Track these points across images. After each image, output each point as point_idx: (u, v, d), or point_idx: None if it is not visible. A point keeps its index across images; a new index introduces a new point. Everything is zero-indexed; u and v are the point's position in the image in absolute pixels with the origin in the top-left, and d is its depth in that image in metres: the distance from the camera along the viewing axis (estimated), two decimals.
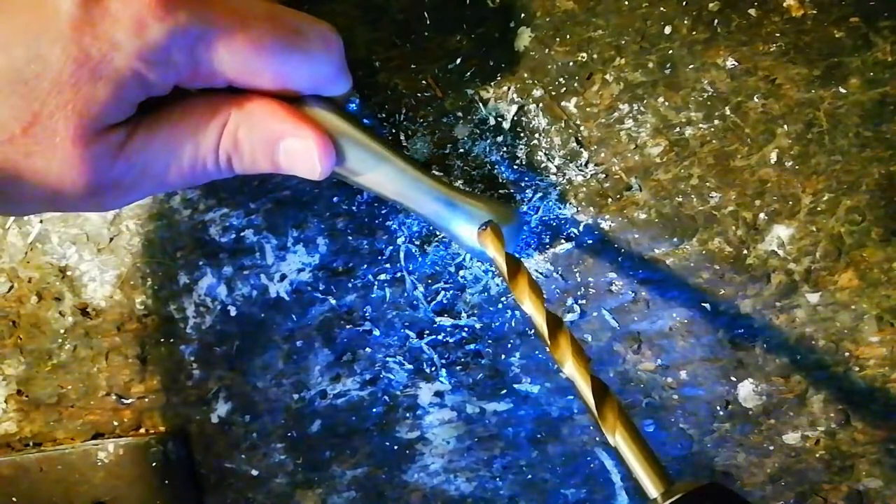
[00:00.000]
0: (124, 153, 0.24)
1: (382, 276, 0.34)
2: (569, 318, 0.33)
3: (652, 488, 0.22)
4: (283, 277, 0.34)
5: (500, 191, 0.32)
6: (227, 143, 0.26)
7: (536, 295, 0.26)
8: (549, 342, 0.25)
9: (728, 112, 0.30)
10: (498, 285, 0.33)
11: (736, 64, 0.29)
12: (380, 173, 0.28)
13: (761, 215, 0.31)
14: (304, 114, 0.26)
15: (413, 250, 0.33)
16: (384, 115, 0.32)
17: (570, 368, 0.24)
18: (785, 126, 0.30)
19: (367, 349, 0.35)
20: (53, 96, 0.21)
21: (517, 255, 0.32)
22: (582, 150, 0.31)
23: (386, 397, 0.35)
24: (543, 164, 0.31)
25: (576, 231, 0.32)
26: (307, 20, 0.25)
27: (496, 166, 0.32)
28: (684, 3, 0.29)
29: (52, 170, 0.23)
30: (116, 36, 0.21)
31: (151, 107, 0.25)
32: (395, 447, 0.36)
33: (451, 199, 0.28)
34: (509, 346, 0.34)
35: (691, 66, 0.30)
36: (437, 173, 0.30)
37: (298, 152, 0.26)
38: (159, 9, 0.21)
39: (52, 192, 0.24)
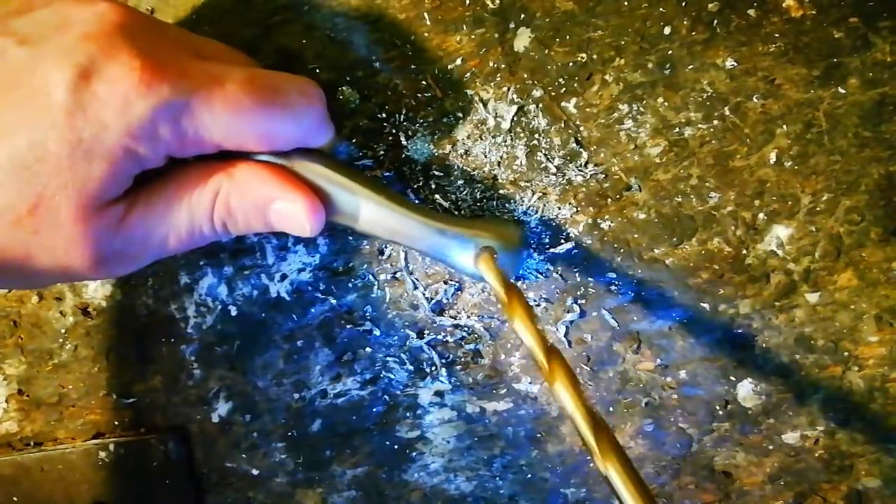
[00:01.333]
0: (124, 227, 0.26)
1: (383, 276, 0.34)
2: (568, 317, 0.33)
3: None
4: (283, 277, 0.35)
5: (501, 191, 0.32)
6: (220, 210, 0.27)
7: (533, 325, 0.26)
8: (546, 371, 0.25)
9: (727, 112, 0.30)
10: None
11: (735, 64, 0.30)
12: (370, 217, 0.28)
13: (760, 215, 0.31)
14: (292, 174, 0.27)
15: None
16: (384, 116, 0.32)
17: (561, 390, 0.24)
18: (784, 126, 0.30)
19: (368, 349, 0.35)
20: (54, 178, 0.23)
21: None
22: (581, 150, 0.31)
23: (386, 397, 0.35)
24: (543, 165, 0.31)
25: (575, 231, 0.32)
26: (284, 78, 0.27)
27: (496, 166, 0.32)
28: (684, 3, 0.29)
29: (59, 246, 0.24)
30: (105, 117, 0.23)
31: (148, 178, 0.26)
32: (396, 446, 0.36)
33: (443, 230, 0.29)
34: (509, 345, 0.34)
35: (691, 67, 0.30)
36: (433, 209, 0.30)
37: (289, 214, 0.27)
38: (142, 86, 0.23)
39: (61, 266, 0.25)
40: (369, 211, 0.28)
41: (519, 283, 0.33)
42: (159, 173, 0.26)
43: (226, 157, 0.27)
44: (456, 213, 0.32)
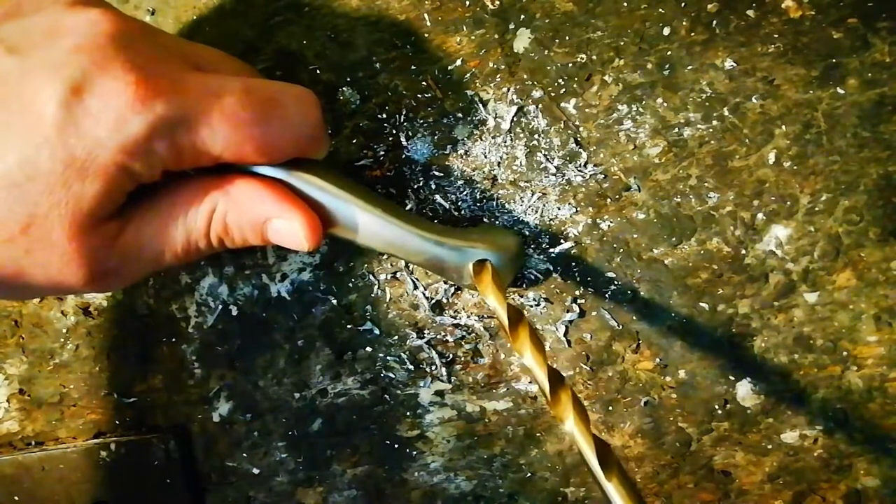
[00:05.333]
0: (119, 244, 0.25)
1: (383, 276, 0.34)
2: (568, 317, 0.33)
3: None
4: (284, 277, 0.35)
5: (500, 191, 0.32)
6: (216, 227, 0.27)
7: (538, 349, 0.25)
8: (549, 398, 0.25)
9: (726, 113, 0.30)
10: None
11: (734, 65, 0.30)
12: (367, 231, 0.28)
13: (759, 215, 0.31)
14: (289, 190, 0.27)
15: None
16: (384, 116, 0.32)
17: (571, 426, 0.24)
18: (783, 126, 0.30)
19: (368, 348, 0.35)
20: (46, 196, 0.22)
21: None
22: (581, 150, 0.31)
23: (386, 396, 0.35)
24: (543, 165, 0.32)
25: (575, 231, 0.32)
26: (280, 87, 0.26)
27: (496, 167, 0.32)
28: (683, 4, 0.30)
29: (53, 264, 0.24)
30: (98, 134, 0.22)
31: (143, 192, 0.26)
32: (396, 446, 0.36)
33: (440, 242, 0.29)
34: (509, 345, 0.34)
35: (690, 67, 0.30)
36: (430, 219, 0.31)
37: (286, 232, 0.27)
38: (137, 103, 0.22)
39: (54, 283, 0.25)
40: (367, 224, 0.28)
41: (518, 286, 0.33)
42: (154, 187, 0.26)
43: (222, 171, 0.26)
44: (456, 213, 0.32)
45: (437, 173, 0.32)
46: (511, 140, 0.32)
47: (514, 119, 0.31)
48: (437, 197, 0.32)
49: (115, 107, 0.22)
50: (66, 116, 0.22)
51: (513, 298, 0.33)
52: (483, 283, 0.28)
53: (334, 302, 0.35)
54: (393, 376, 0.35)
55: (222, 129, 0.24)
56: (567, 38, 0.30)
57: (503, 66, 0.31)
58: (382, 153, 0.33)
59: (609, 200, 0.32)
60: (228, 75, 0.25)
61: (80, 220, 0.23)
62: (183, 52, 0.26)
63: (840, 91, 0.29)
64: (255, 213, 0.27)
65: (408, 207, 0.33)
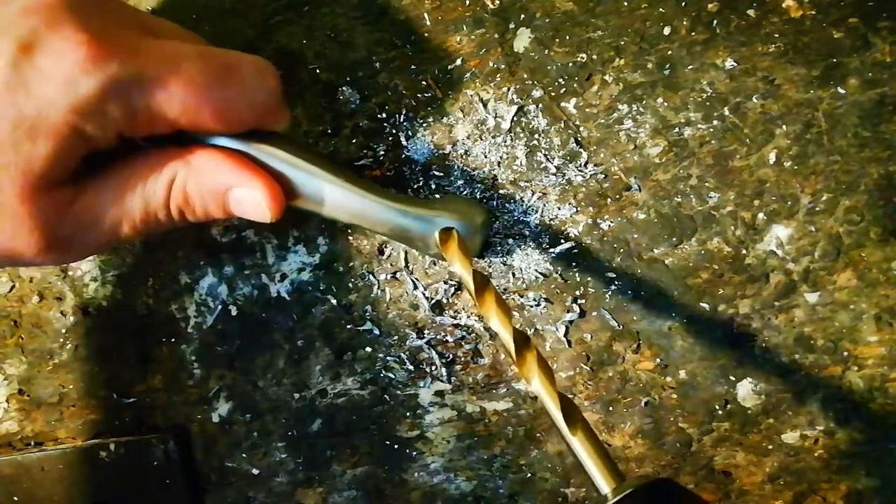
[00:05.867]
0: (74, 210, 0.25)
1: (383, 276, 0.34)
2: (568, 317, 0.33)
3: (604, 484, 0.23)
4: (283, 277, 0.35)
5: (501, 191, 0.32)
6: (176, 197, 0.26)
7: (505, 313, 0.26)
8: (514, 358, 0.25)
9: (727, 112, 0.30)
10: (498, 285, 0.33)
11: (735, 64, 0.30)
12: (331, 201, 0.28)
13: (760, 215, 0.31)
14: (250, 160, 0.27)
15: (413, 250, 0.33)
16: (384, 116, 0.32)
17: (537, 385, 0.25)
18: (784, 126, 0.30)
19: (368, 348, 0.35)
20: None
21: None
22: (581, 150, 0.31)
23: (386, 396, 0.35)
24: (543, 165, 0.31)
25: (575, 231, 0.32)
26: (237, 55, 0.26)
27: (496, 166, 0.32)
28: (683, 3, 0.29)
29: (4, 228, 0.23)
30: (49, 93, 0.22)
31: (100, 164, 0.25)
32: (396, 446, 0.36)
33: (405, 211, 0.28)
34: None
35: (690, 67, 0.30)
36: (395, 193, 0.30)
37: (248, 201, 0.27)
38: (89, 62, 0.22)
39: (6, 250, 0.24)
40: (331, 195, 0.28)
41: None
42: (112, 158, 0.26)
43: (182, 144, 0.26)
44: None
45: (437, 173, 0.32)
46: (511, 140, 0.32)
47: (514, 119, 0.31)
48: (437, 197, 0.32)
49: (66, 65, 0.21)
50: (14, 75, 0.21)
51: (513, 299, 0.33)
52: (449, 250, 0.28)
53: (334, 302, 0.34)
54: (393, 376, 0.35)
55: (178, 92, 0.23)
56: (567, 37, 0.30)
57: (503, 66, 0.31)
58: (382, 153, 0.32)
59: (609, 200, 0.32)
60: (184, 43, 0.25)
61: (31, 181, 0.23)
62: (139, 19, 0.26)
63: (841, 91, 0.29)
64: (215, 181, 0.26)
65: None
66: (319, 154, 0.28)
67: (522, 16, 0.31)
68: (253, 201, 0.26)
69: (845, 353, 0.32)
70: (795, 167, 0.30)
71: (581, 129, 0.31)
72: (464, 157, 0.32)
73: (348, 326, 0.35)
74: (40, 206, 0.23)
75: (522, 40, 0.31)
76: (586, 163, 0.31)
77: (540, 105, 0.31)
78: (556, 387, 0.25)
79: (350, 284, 0.34)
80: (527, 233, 0.32)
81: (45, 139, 0.22)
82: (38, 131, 0.22)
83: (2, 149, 0.22)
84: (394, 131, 0.32)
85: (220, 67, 0.25)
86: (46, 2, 0.22)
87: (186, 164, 0.26)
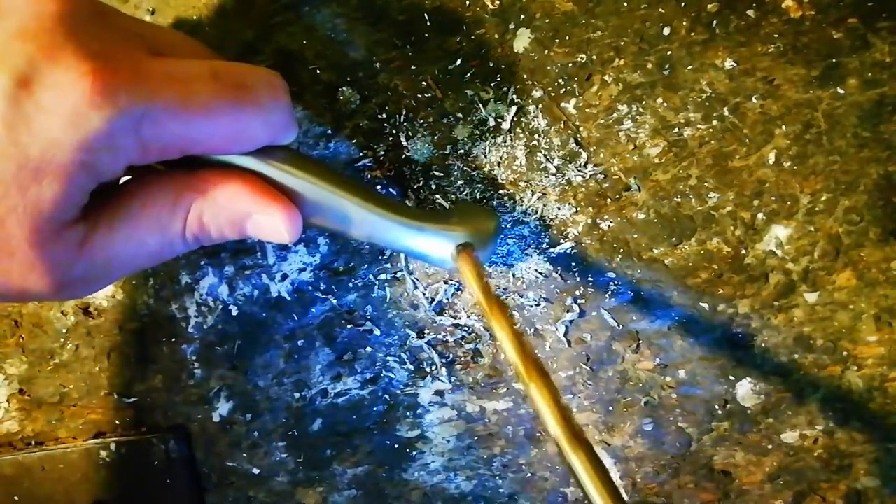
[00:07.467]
0: (86, 250, 0.23)
1: (383, 276, 0.34)
2: (568, 317, 0.33)
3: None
4: (284, 277, 0.35)
5: (500, 191, 0.32)
6: (193, 226, 0.25)
7: (514, 331, 0.25)
8: (525, 377, 0.24)
9: (726, 113, 0.30)
10: (497, 285, 0.33)
11: (734, 65, 0.30)
12: (345, 220, 0.27)
13: (759, 215, 0.31)
14: (265, 182, 0.26)
15: None
16: (384, 116, 0.32)
17: (536, 394, 0.23)
18: (783, 126, 0.30)
19: (368, 348, 0.35)
20: (1, 201, 0.20)
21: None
22: (581, 150, 0.31)
23: (386, 396, 0.35)
24: (543, 165, 0.32)
25: (575, 231, 0.32)
26: (249, 71, 0.25)
27: (496, 166, 0.32)
28: (683, 4, 0.30)
29: (14, 272, 0.22)
30: (54, 131, 0.20)
31: (108, 193, 0.24)
32: (396, 446, 0.36)
33: (421, 228, 0.28)
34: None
35: (690, 67, 0.30)
36: (409, 207, 0.30)
37: (266, 226, 0.26)
38: (96, 96, 0.20)
39: (18, 291, 0.23)
40: (348, 215, 0.27)
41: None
42: (120, 188, 0.24)
43: (191, 163, 0.25)
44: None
45: (437, 173, 0.32)
46: (511, 140, 0.32)
47: (514, 119, 0.31)
48: (438, 197, 0.32)
49: (70, 100, 0.20)
50: (14, 113, 0.20)
51: (513, 299, 0.33)
52: (464, 269, 0.27)
53: (334, 302, 0.35)
54: (393, 376, 0.35)
55: (192, 120, 0.22)
56: (567, 37, 0.30)
57: (503, 66, 0.31)
58: (382, 153, 0.33)
59: (609, 200, 0.32)
60: (192, 59, 0.24)
61: (40, 225, 0.21)
62: (140, 33, 0.24)
63: (840, 91, 0.29)
64: (233, 210, 0.25)
65: None
66: (332, 170, 0.28)
67: (522, 16, 0.31)
68: (271, 226, 0.26)
69: (845, 353, 0.32)
70: (795, 167, 0.30)
71: (581, 129, 0.31)
72: (464, 157, 0.32)
73: (348, 326, 0.35)
74: (51, 250, 0.22)
75: (522, 41, 0.31)
76: (586, 163, 0.31)
77: (540, 105, 0.31)
78: (563, 407, 0.23)
79: (350, 284, 0.34)
80: (526, 233, 0.32)
81: (52, 179, 0.21)
82: (44, 172, 0.20)
83: (7, 191, 0.20)
84: (394, 131, 0.32)
85: (234, 87, 0.23)
86: (41, 24, 0.20)
87: (201, 193, 0.25)
